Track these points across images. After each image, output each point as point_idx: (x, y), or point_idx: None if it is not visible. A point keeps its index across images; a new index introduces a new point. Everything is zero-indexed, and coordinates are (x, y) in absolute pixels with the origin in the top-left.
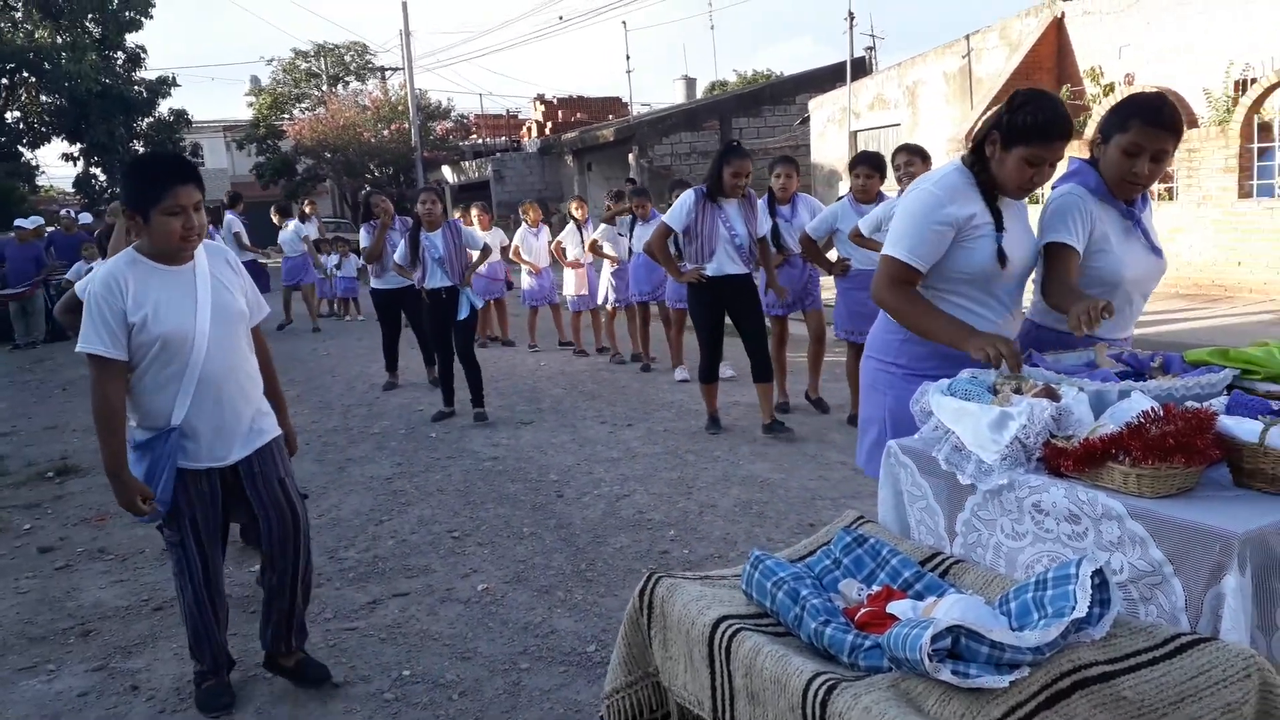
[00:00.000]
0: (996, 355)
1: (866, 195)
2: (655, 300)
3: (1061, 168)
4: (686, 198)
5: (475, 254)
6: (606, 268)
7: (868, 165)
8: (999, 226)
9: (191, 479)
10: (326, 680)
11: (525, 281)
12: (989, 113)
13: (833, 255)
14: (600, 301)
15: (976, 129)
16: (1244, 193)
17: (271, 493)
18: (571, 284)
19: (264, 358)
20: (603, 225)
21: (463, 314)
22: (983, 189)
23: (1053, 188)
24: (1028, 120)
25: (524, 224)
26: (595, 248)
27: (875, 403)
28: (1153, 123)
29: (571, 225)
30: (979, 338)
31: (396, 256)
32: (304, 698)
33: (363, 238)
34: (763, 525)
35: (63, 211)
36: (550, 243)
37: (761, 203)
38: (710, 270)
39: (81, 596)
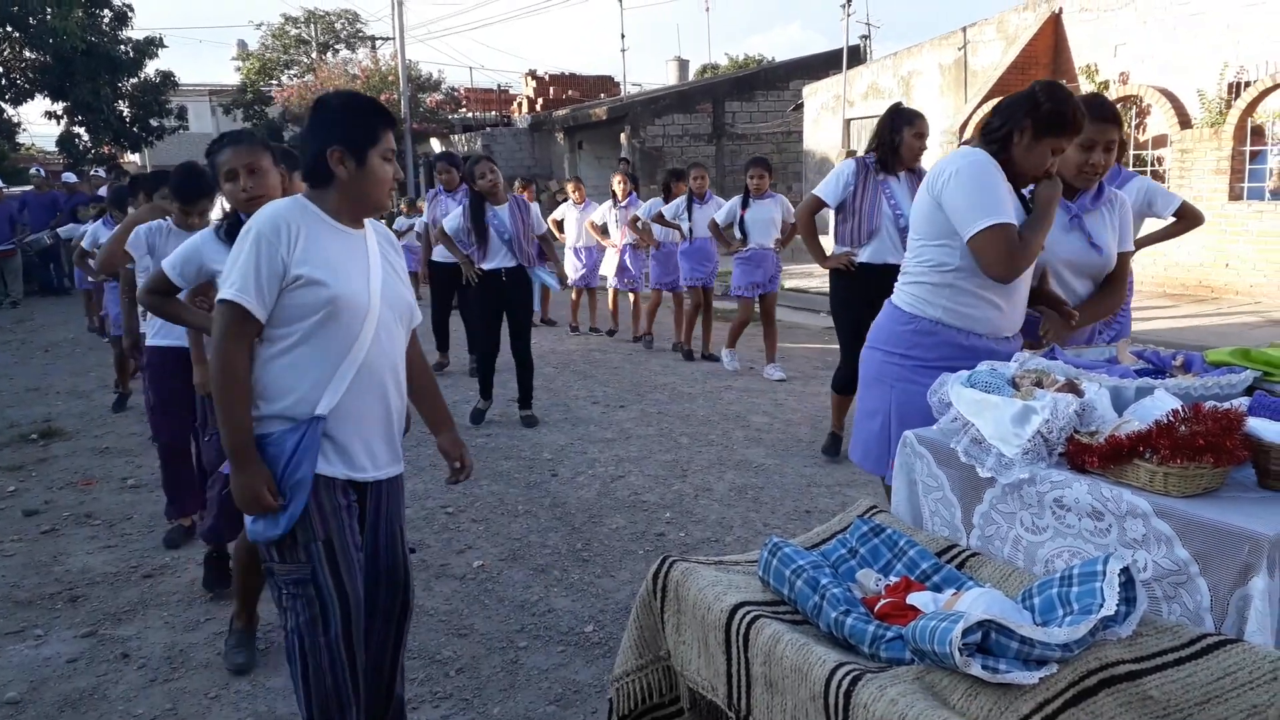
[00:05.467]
0: None
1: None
2: (707, 287)
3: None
4: (845, 166)
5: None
6: (611, 251)
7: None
8: (1027, 206)
9: (326, 489)
10: None
11: (570, 263)
12: (1002, 106)
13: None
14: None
15: (993, 123)
16: (1234, 195)
17: (390, 539)
18: (610, 265)
19: (422, 363)
20: (601, 207)
21: (537, 300)
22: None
23: None
24: (1062, 111)
25: (569, 200)
26: (594, 228)
27: (879, 395)
28: (1098, 117)
29: (572, 202)
30: None
31: (448, 226)
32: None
33: (428, 208)
34: (759, 510)
35: (32, 170)
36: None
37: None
38: (865, 256)
39: (69, 561)
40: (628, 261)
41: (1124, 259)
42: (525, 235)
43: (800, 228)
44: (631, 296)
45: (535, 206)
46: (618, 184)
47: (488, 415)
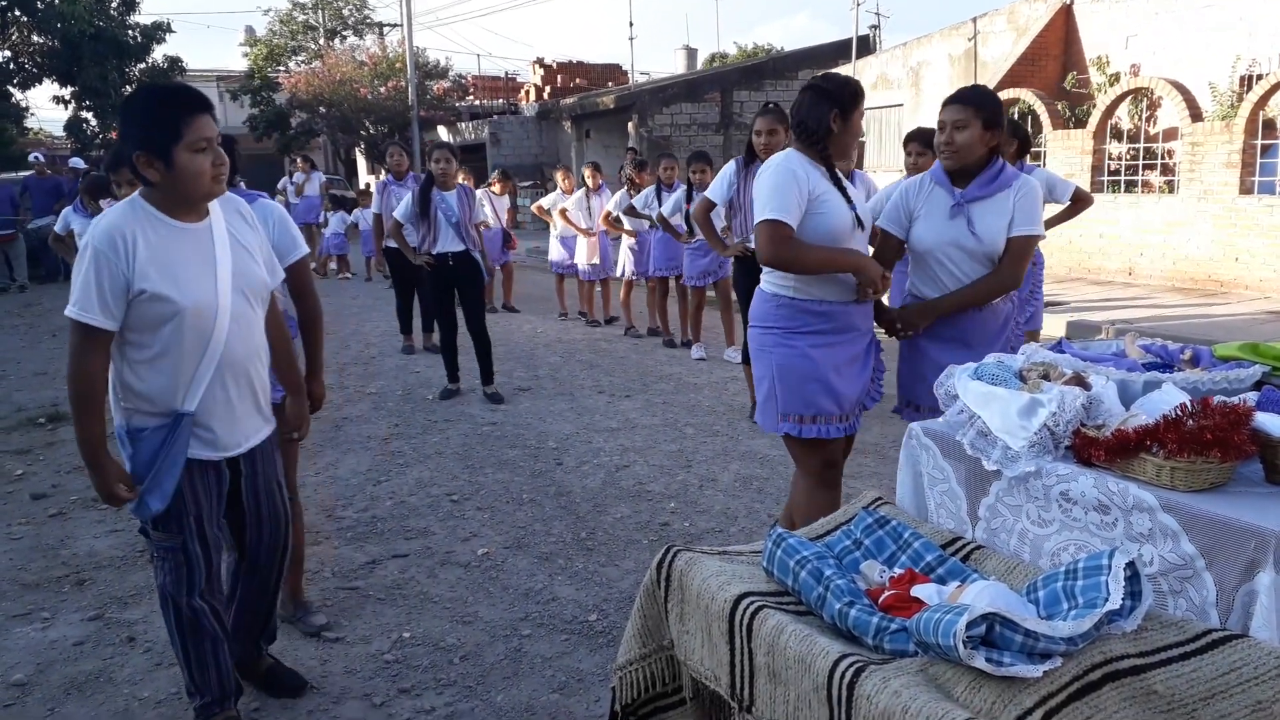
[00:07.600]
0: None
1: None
2: (675, 275)
3: None
4: (728, 168)
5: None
6: (625, 239)
7: (919, 143)
8: (847, 196)
9: (199, 471)
10: (302, 689)
11: (554, 249)
12: (807, 116)
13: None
14: (619, 273)
15: (808, 126)
16: (1245, 189)
17: (268, 493)
18: (584, 253)
19: (280, 330)
20: (576, 194)
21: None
22: (824, 166)
23: None
24: (845, 92)
25: (558, 190)
26: (608, 219)
27: (763, 364)
28: (947, 102)
29: (561, 191)
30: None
31: (399, 213)
32: (304, 657)
33: (376, 198)
34: (763, 501)
35: (32, 156)
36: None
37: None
38: (754, 244)
39: (76, 545)
40: (606, 249)
41: (1019, 241)
42: (470, 220)
43: (699, 225)
44: (603, 285)
45: (480, 194)
46: (588, 175)
47: (493, 405)
